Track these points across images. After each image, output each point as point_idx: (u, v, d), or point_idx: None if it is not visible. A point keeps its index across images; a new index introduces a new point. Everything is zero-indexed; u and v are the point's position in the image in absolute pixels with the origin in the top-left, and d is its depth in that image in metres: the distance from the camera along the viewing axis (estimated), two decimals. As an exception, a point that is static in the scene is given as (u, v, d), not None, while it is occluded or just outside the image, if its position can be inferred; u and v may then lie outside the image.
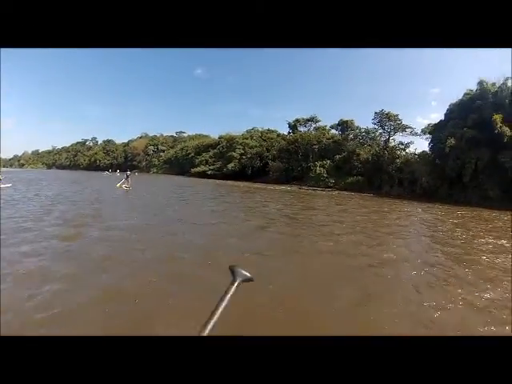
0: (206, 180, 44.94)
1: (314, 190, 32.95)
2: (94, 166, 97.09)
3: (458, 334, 3.32)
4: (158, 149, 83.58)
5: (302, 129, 47.62)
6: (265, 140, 49.43)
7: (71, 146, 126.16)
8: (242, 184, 37.36)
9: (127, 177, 26.50)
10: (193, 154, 61.39)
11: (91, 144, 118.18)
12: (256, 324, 3.31)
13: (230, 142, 52.50)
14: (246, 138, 51.04)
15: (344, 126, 43.45)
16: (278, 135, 51.17)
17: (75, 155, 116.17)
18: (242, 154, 48.45)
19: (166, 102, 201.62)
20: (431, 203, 21.86)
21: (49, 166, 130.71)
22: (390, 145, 35.84)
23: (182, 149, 68.58)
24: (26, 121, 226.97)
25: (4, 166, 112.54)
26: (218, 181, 43.60)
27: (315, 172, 38.66)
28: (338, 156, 38.94)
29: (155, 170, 77.11)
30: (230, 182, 39.78)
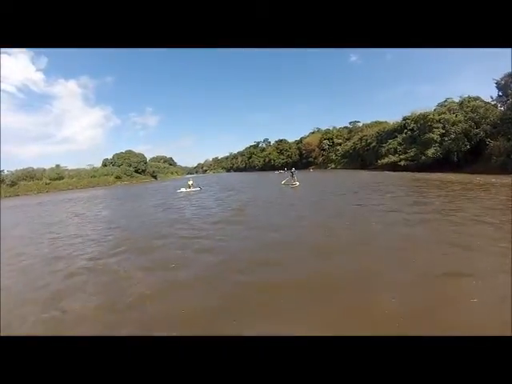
0: (397, 174, 37.72)
1: None
2: (268, 166, 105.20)
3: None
4: (333, 142, 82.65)
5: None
6: (472, 111, 38.01)
7: (245, 149, 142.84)
8: (455, 177, 27.20)
9: (292, 174, 27.23)
10: (375, 144, 56.28)
11: (264, 145, 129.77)
12: None
13: (421, 121, 44.08)
14: (444, 113, 41.25)
15: None
16: (486, 103, 38.91)
17: (250, 157, 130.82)
18: (442, 135, 39.12)
19: (331, 94, 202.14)
20: None
21: (227, 170, 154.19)
22: None
23: (361, 139, 64.24)
24: (206, 135, 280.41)
25: (189, 173, 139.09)
26: (413, 173, 35.79)
27: None
28: None
29: (333, 166, 76.29)
30: (435, 176, 30.10)
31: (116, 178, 75.53)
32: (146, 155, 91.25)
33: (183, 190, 28.55)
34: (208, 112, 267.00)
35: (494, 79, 37.49)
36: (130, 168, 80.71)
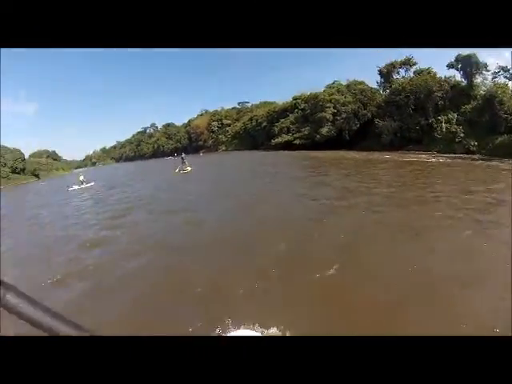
0: (292, 153, 37.07)
1: (458, 158, 23.65)
2: (159, 153, 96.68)
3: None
4: (222, 124, 78.08)
5: (395, 76, 37.29)
6: (361, 93, 39.28)
7: (132, 136, 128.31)
8: (350, 155, 28.84)
9: (183, 160, 26.18)
10: (266, 123, 54.01)
11: (151, 131, 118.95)
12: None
13: (312, 101, 43.70)
14: (333, 94, 41.49)
15: (466, 63, 30.11)
16: (370, 87, 41.07)
17: (138, 145, 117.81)
18: (334, 114, 39.26)
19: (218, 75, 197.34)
20: None
21: (117, 160, 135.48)
22: None
23: (251, 119, 61.47)
24: (93, 123, 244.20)
25: (79, 167, 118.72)
26: (310, 152, 35.20)
27: (442, 131, 28.83)
28: (466, 106, 28.30)
29: (224, 148, 72.33)
30: (330, 154, 30.66)
31: (-14, 184, 50.66)
32: (23, 151, 66.73)
33: (76, 187, 25.20)
34: (93, 97, 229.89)
35: (377, 67, 38.97)
36: (5, 168, 56.89)
